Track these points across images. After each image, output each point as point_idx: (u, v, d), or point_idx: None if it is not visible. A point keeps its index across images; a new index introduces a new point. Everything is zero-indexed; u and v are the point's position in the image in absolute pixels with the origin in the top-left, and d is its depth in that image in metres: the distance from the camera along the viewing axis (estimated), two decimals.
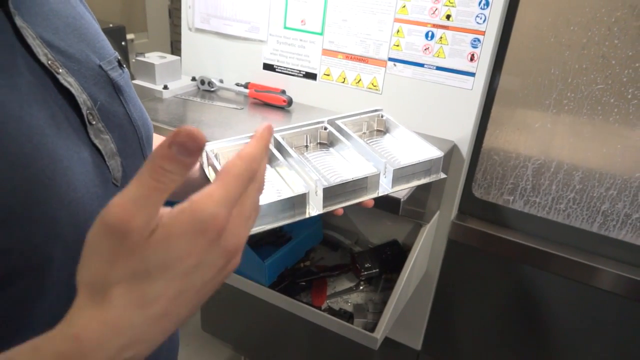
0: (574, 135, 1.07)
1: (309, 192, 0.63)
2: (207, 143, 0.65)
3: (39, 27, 0.45)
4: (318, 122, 0.77)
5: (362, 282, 1.20)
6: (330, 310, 1.11)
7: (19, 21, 0.42)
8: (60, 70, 0.45)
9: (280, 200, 0.60)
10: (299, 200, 0.63)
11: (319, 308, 1.10)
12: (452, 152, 1.13)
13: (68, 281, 0.39)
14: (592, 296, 1.16)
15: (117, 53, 0.57)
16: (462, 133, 1.11)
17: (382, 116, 0.82)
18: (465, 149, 1.12)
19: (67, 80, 0.46)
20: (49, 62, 0.45)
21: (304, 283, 1.17)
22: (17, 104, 0.40)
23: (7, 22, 0.42)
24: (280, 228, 1.27)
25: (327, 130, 0.77)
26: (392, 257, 1.21)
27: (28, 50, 0.43)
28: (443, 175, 0.75)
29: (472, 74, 1.06)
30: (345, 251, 1.31)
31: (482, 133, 1.15)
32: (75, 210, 0.43)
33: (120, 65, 0.55)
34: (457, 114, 1.10)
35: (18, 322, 0.41)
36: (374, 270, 1.18)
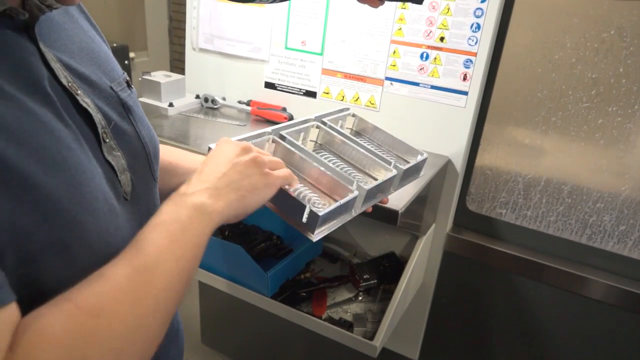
0: (561, 151, 1.13)
1: (356, 195, 0.68)
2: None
3: (57, 51, 0.50)
4: (308, 120, 0.82)
5: (361, 293, 1.24)
6: (331, 320, 1.14)
7: (42, 46, 0.47)
8: (79, 92, 0.49)
9: (343, 203, 0.66)
10: (352, 203, 0.69)
11: (320, 318, 1.13)
12: (446, 167, 1.18)
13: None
14: (583, 305, 1.21)
15: (125, 74, 0.62)
16: (456, 149, 1.16)
17: (353, 115, 0.88)
18: (459, 164, 1.18)
19: (85, 100, 0.50)
20: (69, 83, 0.49)
21: (304, 294, 1.21)
22: (46, 120, 0.44)
23: (34, 46, 0.46)
24: (281, 240, 1.31)
25: (319, 128, 0.83)
26: (390, 268, 1.25)
27: (51, 73, 0.47)
28: (422, 173, 0.85)
29: (465, 93, 1.12)
30: (344, 263, 1.34)
31: (475, 149, 1.20)
32: (99, 219, 0.47)
33: (128, 85, 0.60)
34: (451, 130, 1.15)
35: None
36: (372, 282, 1.22)
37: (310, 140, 0.85)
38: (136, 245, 0.46)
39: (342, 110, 0.90)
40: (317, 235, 0.64)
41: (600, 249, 1.15)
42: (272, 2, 0.57)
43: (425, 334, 1.41)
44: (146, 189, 0.59)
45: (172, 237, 0.48)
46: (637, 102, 1.03)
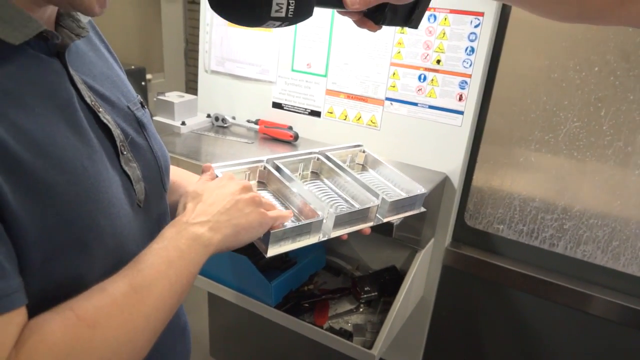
0: (555, 169, 1.17)
1: (323, 219, 0.73)
2: (215, 165, 0.76)
3: (82, 74, 0.57)
4: (310, 153, 0.88)
5: (362, 305, 1.28)
6: (332, 330, 1.19)
7: (71, 69, 0.54)
8: (101, 110, 0.56)
9: (301, 224, 0.71)
10: (316, 226, 0.73)
11: (321, 327, 1.18)
12: (444, 183, 1.23)
13: (104, 273, 0.50)
14: (581, 320, 1.23)
15: (139, 95, 0.69)
16: (453, 166, 1.21)
17: (363, 151, 0.93)
18: (456, 180, 1.22)
19: (106, 117, 0.57)
20: (92, 102, 0.56)
21: (307, 305, 1.25)
22: (72, 134, 0.51)
23: (64, 70, 0.53)
24: (287, 254, 1.37)
25: (319, 161, 0.88)
26: (390, 281, 1.29)
27: (77, 93, 0.54)
28: (423, 209, 0.85)
29: (461, 112, 1.17)
30: (347, 276, 1.39)
31: (472, 166, 1.25)
32: (114, 222, 0.53)
33: (142, 105, 0.67)
34: (448, 148, 1.21)
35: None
36: (373, 294, 1.26)
37: (312, 172, 0.91)
38: (137, 266, 0.52)
39: (355, 146, 0.96)
40: (270, 252, 0.68)
41: (594, 264, 1.19)
42: (279, 26, 0.64)
43: (426, 346, 1.44)
44: (157, 199, 0.65)
45: (169, 262, 0.53)
46: (626, 121, 1.07)
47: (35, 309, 0.45)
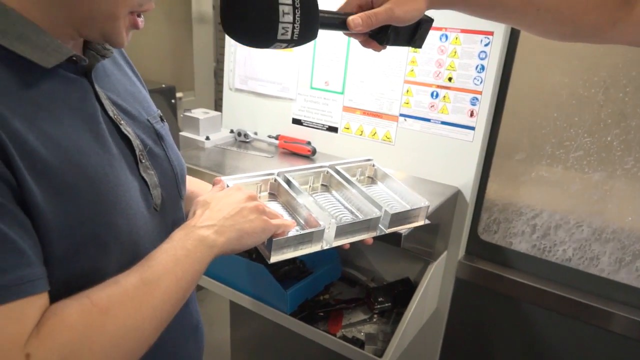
0: (567, 183, 1.19)
1: (324, 229, 0.77)
2: (229, 178, 0.82)
3: (107, 90, 0.64)
4: (320, 166, 0.93)
5: (375, 315, 1.31)
6: (344, 338, 1.22)
7: (97, 86, 0.61)
8: (122, 122, 0.63)
9: (303, 233, 0.75)
10: (318, 235, 0.77)
11: (334, 335, 1.21)
12: (456, 197, 1.26)
13: (120, 267, 0.56)
14: (595, 336, 1.23)
15: (159, 110, 0.76)
16: (464, 180, 1.24)
17: (373, 165, 0.97)
18: (468, 194, 1.25)
19: (127, 129, 0.64)
20: (115, 116, 0.63)
21: (322, 314, 1.29)
22: (96, 143, 0.57)
23: (90, 87, 0.60)
24: (303, 263, 1.41)
25: (329, 174, 0.93)
26: (404, 292, 1.31)
27: (101, 107, 0.61)
28: (427, 222, 0.88)
29: (472, 128, 1.21)
30: (362, 288, 1.42)
31: (484, 180, 1.28)
32: (131, 222, 0.59)
33: (161, 119, 0.74)
34: (460, 162, 1.24)
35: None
36: (386, 304, 1.29)
37: (322, 184, 0.96)
38: (147, 262, 0.58)
39: (366, 160, 1.01)
40: (273, 258, 0.73)
41: (608, 279, 1.19)
42: (285, 47, 0.69)
43: (440, 358, 1.45)
44: (173, 204, 0.72)
45: (177, 260, 0.59)
46: (636, 137, 1.09)
47: (58, 296, 0.51)
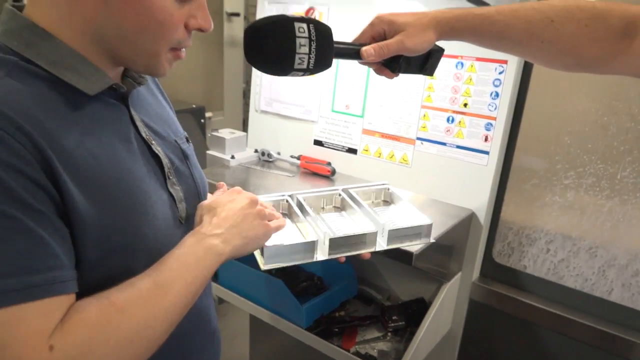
0: (581, 209, 1.20)
1: (317, 241, 0.82)
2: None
3: (140, 114, 0.71)
4: (334, 189, 0.98)
5: (389, 333, 1.34)
6: (358, 354, 1.25)
7: (132, 110, 0.68)
8: (153, 142, 0.71)
9: (295, 243, 0.81)
10: (310, 246, 0.82)
11: (348, 351, 1.24)
12: (470, 219, 1.28)
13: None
14: None
15: (185, 132, 0.83)
16: (479, 203, 1.27)
17: (388, 189, 1.02)
18: (482, 217, 1.28)
19: (157, 149, 0.71)
20: (147, 136, 0.70)
21: (337, 329, 1.33)
22: (130, 160, 0.64)
23: (127, 111, 0.68)
24: (321, 280, 1.45)
25: (340, 197, 0.98)
26: (418, 312, 1.34)
27: (135, 128, 0.68)
28: (432, 240, 0.91)
29: (487, 152, 1.24)
30: (377, 306, 1.45)
31: (499, 204, 1.31)
32: (157, 232, 0.65)
33: (187, 140, 0.81)
34: (474, 186, 1.27)
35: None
36: (400, 323, 1.32)
37: (335, 206, 1.01)
38: (161, 267, 0.63)
39: (381, 184, 1.05)
40: (266, 265, 0.79)
41: (625, 306, 1.19)
42: (301, 76, 0.75)
43: None
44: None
45: (187, 266, 0.64)
46: None
47: (89, 294, 0.57)
